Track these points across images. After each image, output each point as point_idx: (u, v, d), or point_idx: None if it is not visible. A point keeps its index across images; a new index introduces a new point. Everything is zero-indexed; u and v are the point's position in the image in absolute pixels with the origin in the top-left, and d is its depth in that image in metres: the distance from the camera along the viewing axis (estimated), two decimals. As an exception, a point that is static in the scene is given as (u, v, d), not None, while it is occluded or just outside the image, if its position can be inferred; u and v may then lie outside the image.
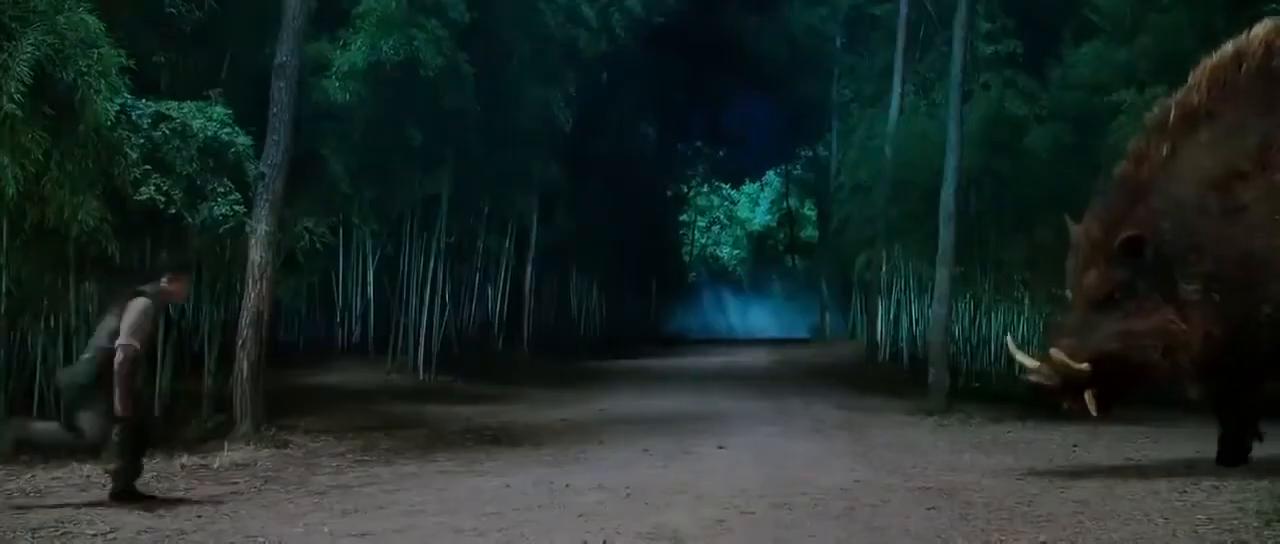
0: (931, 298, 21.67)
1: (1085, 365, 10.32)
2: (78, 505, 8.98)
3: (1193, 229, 10.42)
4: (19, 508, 8.92)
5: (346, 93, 17.54)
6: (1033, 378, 10.67)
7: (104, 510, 8.82)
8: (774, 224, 73.56)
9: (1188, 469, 10.50)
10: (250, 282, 13.90)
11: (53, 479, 10.05)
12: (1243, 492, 9.26)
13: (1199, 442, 11.65)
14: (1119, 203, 10.92)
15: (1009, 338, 11.33)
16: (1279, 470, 10.08)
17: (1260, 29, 11.11)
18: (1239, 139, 10.61)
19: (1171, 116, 10.97)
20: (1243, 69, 10.90)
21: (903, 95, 29.88)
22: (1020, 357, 11.01)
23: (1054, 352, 10.55)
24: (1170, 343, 10.31)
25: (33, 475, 10.11)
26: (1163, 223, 10.49)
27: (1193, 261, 10.37)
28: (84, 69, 11.74)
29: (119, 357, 8.99)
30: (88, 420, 9.22)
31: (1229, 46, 11.14)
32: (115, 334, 9.16)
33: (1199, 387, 10.79)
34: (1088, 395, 10.51)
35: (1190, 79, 11.14)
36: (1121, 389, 10.75)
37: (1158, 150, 10.85)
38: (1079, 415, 10.81)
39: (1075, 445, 12.44)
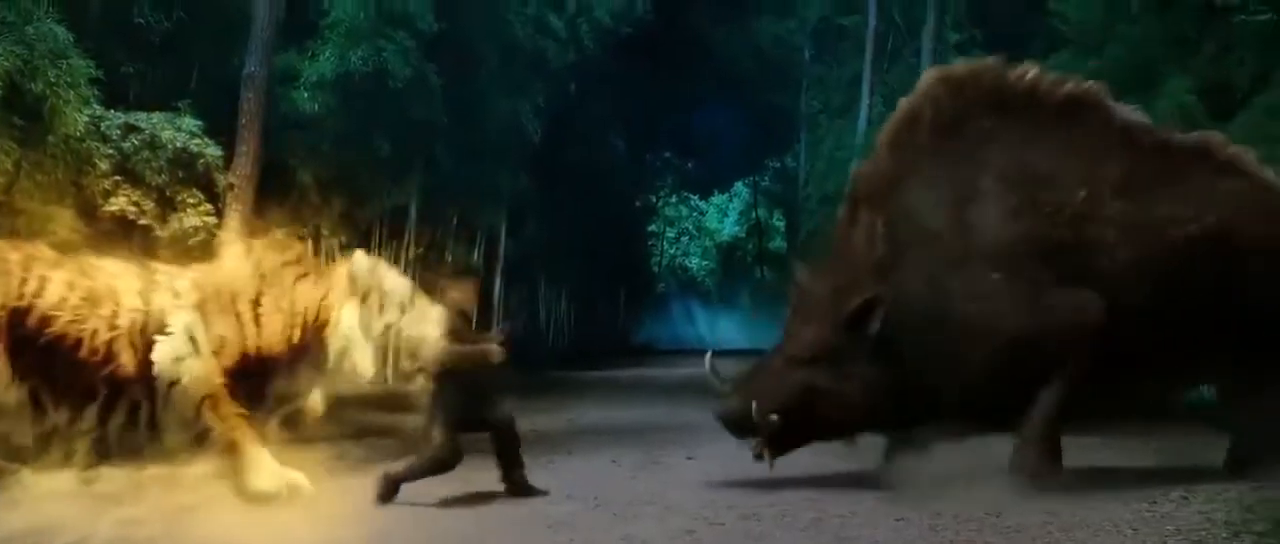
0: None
1: (775, 417, 10.49)
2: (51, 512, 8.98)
3: (909, 298, 10.57)
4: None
5: (315, 103, 17.49)
6: (720, 412, 10.95)
7: (77, 518, 8.81)
8: (743, 235, 73.46)
9: (1157, 480, 10.53)
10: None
11: (27, 487, 10.02)
12: (1211, 502, 9.30)
13: (1166, 454, 11.69)
14: (848, 270, 11.01)
15: (709, 356, 11.41)
16: (1246, 481, 10.13)
17: (922, 83, 11.48)
18: (932, 200, 10.84)
19: (870, 181, 11.25)
20: (917, 129, 11.14)
21: (871, 106, 29.93)
22: (715, 384, 11.11)
23: (756, 400, 10.66)
24: (848, 403, 10.60)
25: (6, 484, 10.08)
26: (894, 302, 10.56)
27: (903, 329, 10.50)
28: (53, 80, 11.75)
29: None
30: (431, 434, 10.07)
31: (902, 106, 11.41)
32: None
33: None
34: (757, 444, 10.79)
35: (876, 146, 11.47)
36: (798, 439, 11.00)
37: (868, 217, 11.03)
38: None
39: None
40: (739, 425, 10.94)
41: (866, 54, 30.53)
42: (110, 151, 12.60)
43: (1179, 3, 18.59)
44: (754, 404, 10.61)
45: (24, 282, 9.58)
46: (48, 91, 11.76)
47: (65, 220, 11.62)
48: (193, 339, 9.75)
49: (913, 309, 10.51)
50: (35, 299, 9.54)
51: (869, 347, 10.49)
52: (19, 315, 9.48)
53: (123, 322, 9.68)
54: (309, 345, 10.20)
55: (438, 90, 19.54)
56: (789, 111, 44.70)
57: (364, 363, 10.13)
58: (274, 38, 15.39)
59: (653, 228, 67.49)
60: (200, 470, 10.52)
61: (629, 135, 45.32)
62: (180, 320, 9.81)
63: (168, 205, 12.91)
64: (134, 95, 14.29)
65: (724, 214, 74.39)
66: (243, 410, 9.84)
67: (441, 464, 10.17)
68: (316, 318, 10.23)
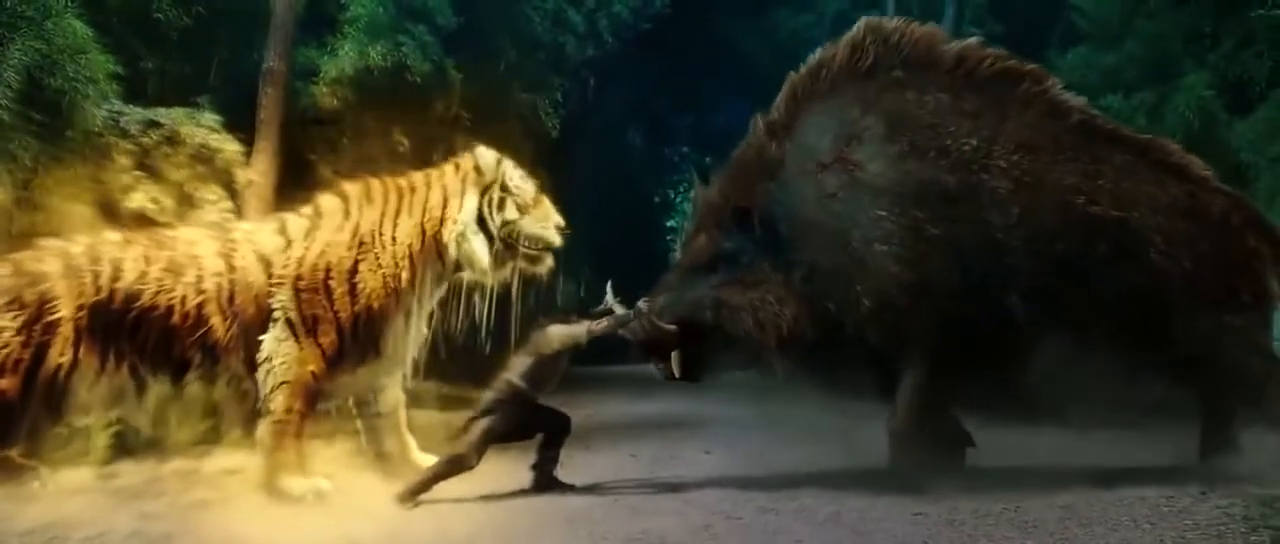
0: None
1: (672, 327, 10.58)
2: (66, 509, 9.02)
3: (798, 217, 10.67)
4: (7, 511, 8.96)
5: (335, 98, 17.50)
6: (620, 331, 10.96)
7: (95, 513, 8.86)
8: (760, 229, 73.02)
9: (1175, 475, 10.50)
10: (240, 288, 13.87)
11: (46, 482, 10.04)
12: (1229, 497, 9.27)
13: (1184, 450, 11.65)
14: (739, 176, 11.15)
15: (609, 287, 11.38)
16: (1266, 476, 10.10)
17: (853, 29, 11.50)
18: (824, 134, 10.91)
19: (762, 125, 11.35)
20: (823, 75, 11.26)
21: (889, 101, 29.71)
22: (614, 306, 11.18)
23: (642, 304, 10.82)
24: (762, 319, 10.54)
25: (21, 480, 10.11)
26: (776, 206, 10.71)
27: (798, 248, 10.59)
28: (72, 75, 11.77)
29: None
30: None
31: (814, 56, 11.51)
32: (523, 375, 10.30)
33: (784, 366, 10.93)
34: (674, 357, 10.84)
35: (779, 95, 11.50)
36: (709, 358, 11.07)
37: (772, 143, 11.13)
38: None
39: (1062, 450, 12.45)
40: (648, 346, 11.04)
41: (884, 49, 30.26)
42: (130, 147, 12.63)
43: (1197, -3, 18.59)
44: (641, 306, 10.86)
45: (96, 275, 9.82)
46: (67, 87, 11.77)
47: (84, 216, 11.66)
48: (290, 323, 10.11)
49: (804, 218, 10.67)
50: (113, 285, 9.80)
51: (764, 252, 10.68)
52: (100, 307, 9.75)
53: (208, 286, 10.01)
54: (422, 269, 10.83)
55: (456, 85, 19.50)
56: (807, 106, 44.52)
57: (480, 254, 10.76)
58: (293, 33, 15.40)
59: (670, 222, 67.24)
60: (218, 465, 10.59)
61: (647, 130, 45.27)
62: (278, 301, 10.21)
63: (187, 201, 12.94)
64: (153, 90, 14.29)
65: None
66: (305, 409, 10.15)
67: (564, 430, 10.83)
68: (427, 232, 10.79)
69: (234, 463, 10.80)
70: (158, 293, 9.83)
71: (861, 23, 11.46)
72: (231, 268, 10.16)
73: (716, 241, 10.88)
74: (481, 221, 10.85)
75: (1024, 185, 10.42)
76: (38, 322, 9.60)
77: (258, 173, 13.91)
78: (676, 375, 10.90)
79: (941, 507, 9.23)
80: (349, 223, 10.63)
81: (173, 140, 12.90)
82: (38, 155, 11.59)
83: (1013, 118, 10.81)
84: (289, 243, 10.45)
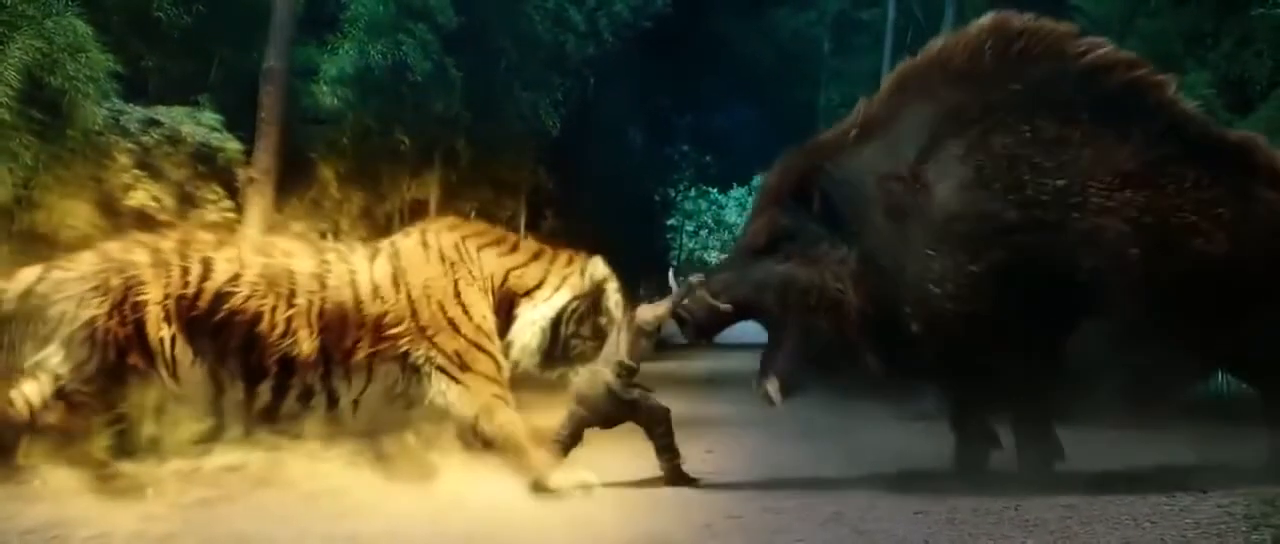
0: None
1: (728, 307, 10.52)
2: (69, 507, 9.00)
3: (861, 210, 10.41)
4: (9, 511, 8.95)
5: (335, 98, 17.49)
6: (650, 312, 10.95)
7: (97, 513, 8.84)
8: (762, 228, 72.72)
9: (1176, 474, 10.48)
10: (241, 287, 13.88)
11: (48, 481, 10.02)
12: (1230, 496, 9.26)
13: (1185, 448, 11.64)
14: (802, 160, 11.01)
15: (671, 273, 11.26)
16: (1266, 475, 10.08)
17: (974, 25, 11.04)
18: (910, 142, 10.51)
19: (861, 112, 11.02)
20: (938, 70, 10.86)
21: (890, 100, 29.60)
22: (674, 287, 11.19)
23: (695, 279, 10.86)
24: (829, 301, 10.31)
25: (23, 478, 10.09)
26: (837, 188, 10.48)
27: (857, 235, 10.36)
28: (73, 73, 11.77)
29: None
30: None
31: (935, 43, 11.17)
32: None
33: (873, 360, 10.59)
34: (771, 385, 10.68)
35: (883, 81, 11.42)
36: (801, 359, 10.74)
37: (846, 133, 10.93)
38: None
39: (1063, 449, 12.44)
40: (700, 326, 11.04)
41: (885, 48, 30.19)
42: (130, 146, 12.64)
43: (1197, -4, 18.58)
44: (693, 280, 10.92)
45: (185, 271, 9.75)
46: (67, 85, 11.77)
47: (84, 215, 11.67)
48: (443, 369, 10.37)
49: (867, 216, 10.43)
50: (202, 283, 9.75)
51: (823, 229, 10.48)
52: (186, 302, 9.68)
53: (300, 301, 9.93)
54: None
55: (457, 84, 19.48)
56: (808, 105, 44.36)
57: (534, 347, 10.71)
58: (293, 32, 15.41)
59: (672, 221, 67.15)
60: (219, 464, 10.59)
61: (648, 129, 45.19)
62: (418, 354, 10.32)
63: (187, 201, 12.96)
64: (154, 89, 14.31)
65: (743, 208, 73.91)
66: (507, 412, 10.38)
67: None
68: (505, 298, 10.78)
69: (235, 461, 10.80)
70: (248, 298, 9.82)
71: (987, 21, 10.86)
72: (324, 286, 10.13)
73: (775, 221, 10.74)
74: (557, 322, 10.74)
75: (1143, 226, 9.96)
76: (125, 302, 9.52)
77: (258, 172, 13.93)
78: (775, 403, 10.73)
79: (942, 505, 9.22)
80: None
81: (173, 139, 12.93)
82: (38, 154, 11.60)
83: (1133, 142, 10.25)
84: (396, 275, 10.44)
